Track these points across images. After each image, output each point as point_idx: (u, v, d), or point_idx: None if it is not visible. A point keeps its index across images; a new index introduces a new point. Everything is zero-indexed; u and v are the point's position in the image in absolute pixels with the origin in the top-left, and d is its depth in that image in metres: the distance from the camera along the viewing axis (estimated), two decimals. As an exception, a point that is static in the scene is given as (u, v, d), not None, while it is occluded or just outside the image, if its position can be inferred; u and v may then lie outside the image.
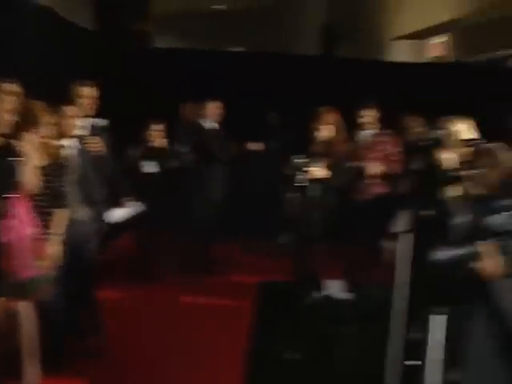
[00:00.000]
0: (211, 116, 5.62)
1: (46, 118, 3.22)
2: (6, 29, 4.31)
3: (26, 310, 3.13)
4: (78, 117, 3.53)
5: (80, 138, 3.62)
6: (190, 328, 4.39)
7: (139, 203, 5.00)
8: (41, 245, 3.15)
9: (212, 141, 5.52)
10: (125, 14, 7.68)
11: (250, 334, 4.19)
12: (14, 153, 2.91)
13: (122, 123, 5.73)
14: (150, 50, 7.86)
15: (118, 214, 4.68)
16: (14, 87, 3.07)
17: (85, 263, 3.76)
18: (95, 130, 3.78)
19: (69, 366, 3.59)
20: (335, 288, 4.93)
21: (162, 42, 11.17)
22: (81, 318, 3.89)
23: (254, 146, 6.37)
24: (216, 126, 5.66)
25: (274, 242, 6.06)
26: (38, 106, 3.19)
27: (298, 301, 4.58)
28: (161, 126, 5.38)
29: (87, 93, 3.68)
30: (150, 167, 5.37)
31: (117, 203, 4.59)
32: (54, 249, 3.28)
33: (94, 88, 3.72)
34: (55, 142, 3.33)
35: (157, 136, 5.37)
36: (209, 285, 5.37)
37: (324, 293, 4.85)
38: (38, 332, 3.18)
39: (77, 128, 3.53)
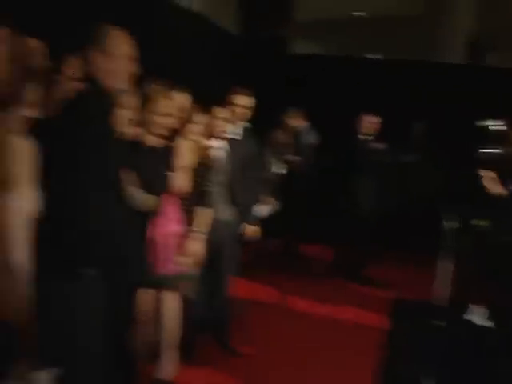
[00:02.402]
0: (366, 128, 5.68)
1: (199, 119, 3.33)
2: (166, 34, 4.57)
3: (171, 303, 3.27)
4: (228, 120, 3.62)
5: (229, 140, 3.71)
6: (321, 335, 4.37)
7: (276, 202, 5.37)
8: (186, 242, 3.27)
9: (370, 153, 5.58)
10: (269, 20, 7.82)
11: (380, 352, 4.03)
12: (170, 154, 3.03)
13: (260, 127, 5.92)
14: (290, 56, 7.94)
15: (260, 212, 4.94)
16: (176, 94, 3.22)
17: (227, 263, 3.84)
18: (244, 133, 3.87)
19: (203, 360, 3.73)
20: (479, 314, 4.59)
21: (301, 49, 11.25)
22: (218, 315, 3.98)
23: (407, 157, 6.25)
24: (371, 138, 5.69)
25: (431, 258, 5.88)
26: (193, 108, 3.31)
27: (437, 323, 4.32)
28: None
29: (243, 102, 3.77)
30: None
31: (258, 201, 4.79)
32: (197, 247, 3.39)
33: (250, 97, 3.80)
34: (206, 143, 3.44)
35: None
36: (350, 293, 5.39)
37: (467, 318, 4.53)
38: (179, 325, 3.31)
39: (226, 130, 3.61)
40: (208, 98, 3.55)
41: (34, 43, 2.58)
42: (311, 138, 6.22)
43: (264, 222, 5.20)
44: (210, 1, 6.08)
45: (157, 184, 2.86)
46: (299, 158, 6.08)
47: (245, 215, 3.86)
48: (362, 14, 13.60)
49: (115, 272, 2.33)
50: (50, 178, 2.01)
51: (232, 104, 3.73)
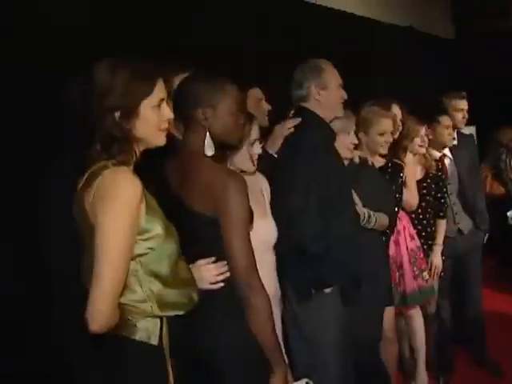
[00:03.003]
0: None
1: (422, 131, 3.29)
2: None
3: (418, 320, 3.24)
4: (451, 127, 3.52)
5: (453, 147, 3.61)
6: None
7: None
8: (423, 256, 3.22)
9: None
10: (483, 15, 7.33)
11: None
12: (398, 171, 3.05)
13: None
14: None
15: None
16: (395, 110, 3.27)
17: (473, 274, 3.71)
18: (464, 139, 3.72)
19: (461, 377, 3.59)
20: None
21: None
22: (471, 330, 3.84)
23: None
24: None
25: None
26: (414, 121, 3.29)
27: None
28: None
29: (461, 105, 3.66)
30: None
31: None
32: (436, 260, 3.33)
33: (465, 100, 3.67)
34: (431, 154, 3.38)
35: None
36: None
37: None
38: (425, 339, 3.26)
39: (451, 138, 3.51)
40: (432, 109, 3.53)
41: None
42: None
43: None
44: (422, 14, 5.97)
45: (389, 203, 2.88)
46: None
47: (482, 223, 3.68)
48: None
49: (361, 291, 2.43)
50: (285, 208, 2.22)
51: (452, 109, 3.62)
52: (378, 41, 4.76)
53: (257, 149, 2.07)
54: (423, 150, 3.33)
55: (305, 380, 1.88)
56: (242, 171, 2.03)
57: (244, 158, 2.00)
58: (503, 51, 6.80)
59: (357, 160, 2.78)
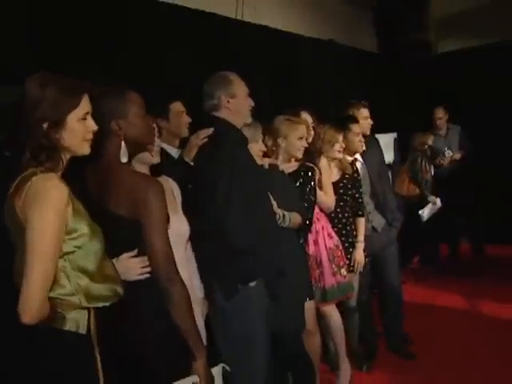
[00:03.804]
0: None
1: (340, 138, 3.55)
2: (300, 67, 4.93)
3: (335, 314, 3.44)
4: (361, 134, 3.79)
5: (362, 152, 3.87)
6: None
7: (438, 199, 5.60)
8: (341, 254, 3.43)
9: None
10: (403, 28, 7.77)
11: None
12: (311, 174, 3.26)
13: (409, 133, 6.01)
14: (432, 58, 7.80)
15: (428, 212, 5.43)
16: (306, 117, 3.53)
17: (390, 269, 3.96)
18: (371, 144, 3.98)
19: (380, 366, 3.86)
20: None
21: (448, 46, 10.80)
22: (389, 321, 4.11)
23: None
24: None
25: None
26: (333, 129, 3.56)
27: None
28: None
29: (365, 113, 3.94)
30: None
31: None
32: (359, 256, 3.58)
33: (367, 108, 3.96)
34: (345, 158, 3.64)
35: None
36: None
37: None
38: (344, 332, 3.47)
39: (361, 144, 3.79)
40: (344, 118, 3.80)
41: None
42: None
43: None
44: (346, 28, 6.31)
45: (300, 204, 3.08)
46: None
47: (394, 220, 3.95)
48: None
49: (280, 285, 2.62)
50: (203, 206, 2.39)
51: (360, 118, 3.89)
52: (299, 54, 5.01)
53: (157, 142, 2.24)
54: (341, 156, 3.59)
55: (221, 365, 2.06)
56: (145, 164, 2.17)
57: (146, 153, 2.15)
58: (423, 64, 7.30)
59: (266, 166, 2.99)
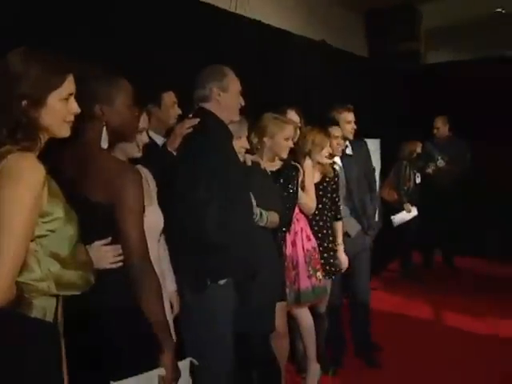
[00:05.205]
0: None
1: (326, 142, 3.52)
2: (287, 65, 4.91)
3: (307, 317, 3.42)
4: (340, 137, 3.77)
5: (344, 156, 3.87)
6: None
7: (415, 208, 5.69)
8: (318, 257, 3.41)
9: None
10: (392, 36, 7.81)
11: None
12: (294, 173, 3.25)
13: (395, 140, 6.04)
14: (419, 68, 7.85)
15: (400, 218, 5.55)
16: (293, 116, 3.50)
17: (360, 274, 3.97)
18: (357, 148, 3.98)
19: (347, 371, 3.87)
20: None
21: (436, 58, 10.91)
22: (358, 329, 4.12)
23: None
24: None
25: None
26: (323, 133, 3.54)
27: None
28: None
29: (349, 117, 3.91)
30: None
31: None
32: (342, 257, 3.61)
33: (352, 113, 3.93)
34: (327, 161, 3.60)
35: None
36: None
37: None
38: (315, 335, 3.44)
39: (340, 147, 3.78)
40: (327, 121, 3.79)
41: None
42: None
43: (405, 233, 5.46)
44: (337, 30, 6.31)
45: (279, 203, 3.03)
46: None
47: (370, 227, 3.96)
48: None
49: (250, 287, 2.59)
50: (183, 197, 2.34)
51: (340, 120, 3.87)
52: (290, 52, 4.99)
53: (144, 137, 2.20)
54: (328, 160, 3.56)
55: (189, 359, 2.02)
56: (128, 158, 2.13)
57: (131, 145, 2.10)
58: (411, 73, 7.35)
59: (249, 163, 2.94)
